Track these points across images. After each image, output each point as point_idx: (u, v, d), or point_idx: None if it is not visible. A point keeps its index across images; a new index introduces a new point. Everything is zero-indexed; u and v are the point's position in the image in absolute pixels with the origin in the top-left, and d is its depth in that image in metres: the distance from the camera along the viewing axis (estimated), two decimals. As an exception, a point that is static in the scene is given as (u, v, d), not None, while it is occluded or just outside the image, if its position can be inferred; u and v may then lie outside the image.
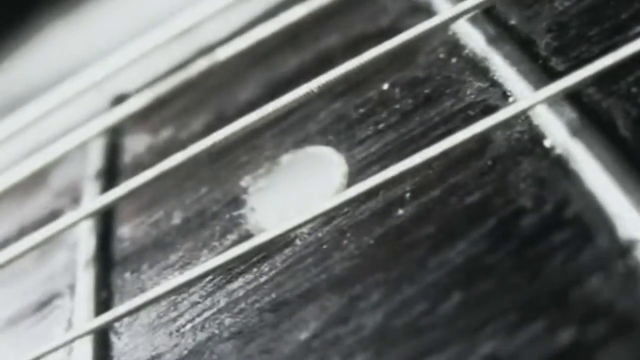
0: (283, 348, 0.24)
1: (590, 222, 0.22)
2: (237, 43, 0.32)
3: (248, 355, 0.25)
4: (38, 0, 0.50)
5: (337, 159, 0.28)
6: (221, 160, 0.30)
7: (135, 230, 0.30)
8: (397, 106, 0.28)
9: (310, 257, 0.26)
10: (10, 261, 0.30)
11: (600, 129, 0.24)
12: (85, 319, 0.28)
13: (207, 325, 0.26)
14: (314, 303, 0.25)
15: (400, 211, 0.25)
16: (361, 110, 0.29)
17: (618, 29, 0.26)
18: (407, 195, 0.25)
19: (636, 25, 0.25)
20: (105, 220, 0.31)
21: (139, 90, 0.34)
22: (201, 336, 0.26)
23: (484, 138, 0.25)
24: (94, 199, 0.31)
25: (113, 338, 0.28)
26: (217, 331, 0.26)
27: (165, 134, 0.33)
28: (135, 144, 0.33)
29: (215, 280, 0.27)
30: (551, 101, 0.25)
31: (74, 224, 0.30)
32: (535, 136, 0.25)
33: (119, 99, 0.35)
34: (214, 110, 0.33)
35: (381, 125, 0.28)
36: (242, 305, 0.26)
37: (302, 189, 0.28)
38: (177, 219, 0.30)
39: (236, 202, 0.29)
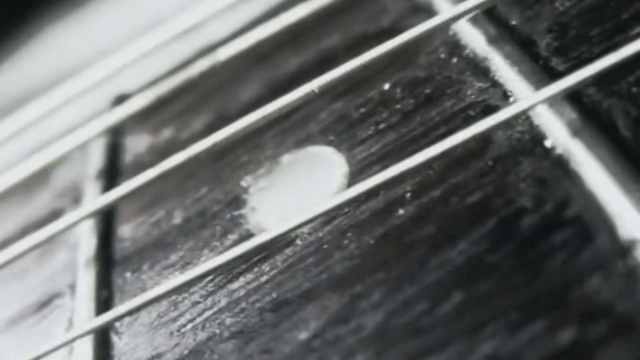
0: (283, 348, 0.24)
1: (591, 222, 0.22)
2: (238, 43, 0.32)
3: (248, 354, 0.25)
4: (39, 1, 0.50)
5: (338, 159, 0.28)
6: (222, 160, 0.30)
7: (136, 230, 0.30)
8: (398, 106, 0.28)
9: (310, 257, 0.26)
10: (11, 261, 0.30)
11: (601, 129, 0.24)
12: (86, 318, 0.28)
13: (207, 325, 0.26)
14: (314, 303, 0.25)
15: (401, 211, 0.25)
16: (362, 110, 0.29)
17: (619, 29, 0.26)
18: (408, 195, 0.26)
19: (637, 25, 0.25)
20: (106, 220, 0.31)
21: (139, 90, 0.34)
22: (202, 336, 0.26)
23: (484, 138, 0.25)
24: (94, 199, 0.31)
25: (114, 337, 0.28)
26: (217, 331, 0.26)
27: (166, 134, 0.33)
28: (136, 144, 0.34)
29: (215, 280, 0.27)
30: (552, 101, 0.25)
31: (75, 224, 0.30)
32: (536, 136, 0.25)
33: (120, 99, 0.35)
34: (215, 110, 0.33)
35: (382, 125, 0.28)
36: (243, 304, 0.26)
37: (302, 189, 0.28)
38: (177, 219, 0.30)
39: (237, 201, 0.29)
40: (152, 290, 0.27)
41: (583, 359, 0.21)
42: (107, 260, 0.30)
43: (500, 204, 0.24)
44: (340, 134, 0.29)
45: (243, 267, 0.27)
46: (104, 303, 0.29)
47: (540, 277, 0.22)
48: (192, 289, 0.27)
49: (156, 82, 0.34)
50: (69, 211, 0.32)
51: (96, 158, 0.33)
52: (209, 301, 0.27)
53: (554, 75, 0.25)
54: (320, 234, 0.26)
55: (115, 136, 0.34)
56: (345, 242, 0.26)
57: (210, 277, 0.27)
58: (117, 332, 0.28)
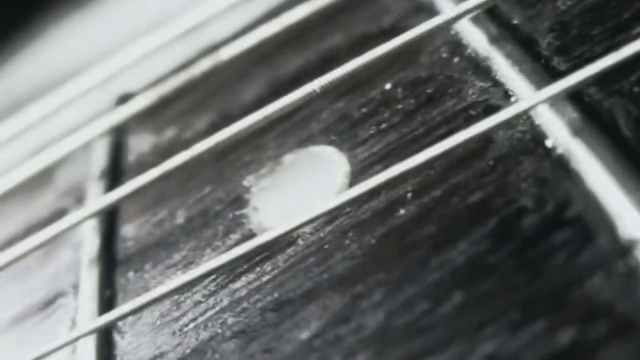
0: (285, 347, 0.24)
1: (591, 222, 0.22)
2: (240, 43, 0.32)
3: (250, 354, 0.25)
4: (42, 1, 0.50)
5: (340, 159, 0.28)
6: (224, 159, 0.30)
7: (139, 230, 0.31)
8: (400, 106, 0.28)
9: (312, 257, 0.26)
10: (15, 260, 0.31)
11: (602, 128, 0.24)
12: (89, 317, 0.28)
13: (209, 325, 0.26)
14: (315, 302, 0.25)
15: (402, 211, 0.25)
16: (364, 110, 0.29)
17: (620, 28, 0.26)
18: (409, 195, 0.26)
19: (638, 24, 0.25)
20: (109, 219, 0.31)
21: (143, 89, 0.34)
22: (204, 335, 0.26)
23: (485, 138, 0.25)
24: (98, 199, 0.31)
25: (116, 337, 0.28)
26: (219, 330, 0.26)
27: (169, 133, 0.33)
28: (140, 144, 0.34)
29: (218, 280, 0.27)
30: (553, 101, 0.25)
31: (78, 224, 0.30)
32: (537, 136, 0.25)
33: (124, 99, 0.35)
34: (218, 109, 0.33)
35: (383, 125, 0.28)
36: (245, 304, 0.26)
37: (304, 189, 0.28)
38: (180, 219, 0.30)
39: (239, 201, 0.29)
40: (154, 290, 0.27)
41: (583, 359, 0.21)
42: (110, 260, 0.30)
43: (501, 204, 0.24)
44: (342, 133, 0.29)
45: (245, 266, 0.27)
46: (106, 302, 0.29)
47: (541, 277, 0.22)
48: (195, 289, 0.27)
49: (159, 82, 0.34)
50: (73, 211, 0.32)
51: (99, 158, 0.33)
52: (211, 301, 0.27)
53: (555, 75, 0.25)
54: (322, 234, 0.26)
55: (119, 136, 0.34)
56: (347, 242, 0.26)
57: (213, 277, 0.27)
58: (119, 332, 0.28)
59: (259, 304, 0.26)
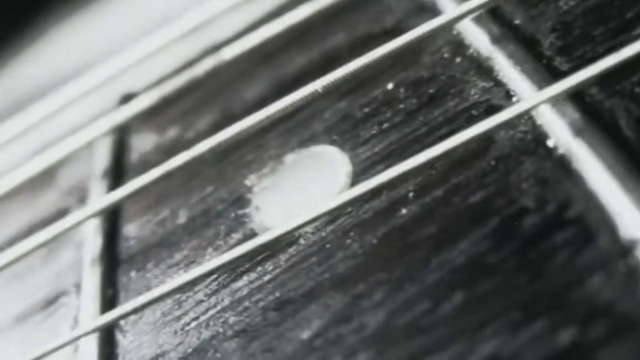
0: (286, 346, 0.25)
1: (592, 222, 0.23)
2: (243, 42, 0.32)
3: (251, 353, 0.25)
4: (45, 1, 0.50)
5: (342, 158, 0.28)
6: (226, 159, 0.30)
7: (141, 229, 0.31)
8: (402, 106, 0.28)
9: (314, 256, 0.26)
10: (18, 259, 0.31)
11: (603, 129, 0.24)
12: (91, 316, 0.28)
13: (211, 324, 0.26)
14: (317, 302, 0.25)
15: (404, 211, 0.25)
16: (366, 110, 0.29)
17: (622, 28, 0.26)
18: (411, 194, 0.26)
19: (640, 24, 0.25)
20: (112, 218, 0.31)
21: (145, 89, 0.34)
22: (205, 334, 0.26)
23: (487, 138, 0.25)
24: (100, 198, 0.31)
25: (118, 336, 0.28)
26: (221, 329, 0.26)
27: (172, 133, 0.33)
28: (142, 143, 0.34)
29: (219, 279, 0.27)
30: (554, 101, 0.25)
31: (81, 223, 0.30)
32: (538, 136, 0.25)
33: (126, 98, 0.35)
34: (220, 109, 0.33)
35: (385, 125, 0.28)
36: (246, 303, 0.26)
37: (306, 188, 0.28)
38: (182, 218, 0.30)
39: (241, 201, 0.29)
40: (156, 289, 0.27)
41: (583, 359, 0.21)
42: (112, 259, 0.30)
43: (502, 204, 0.24)
44: (344, 133, 0.29)
45: (247, 266, 0.27)
46: (109, 301, 0.29)
47: (542, 277, 0.22)
48: (196, 288, 0.27)
49: (162, 82, 0.34)
50: (75, 210, 0.32)
51: (102, 157, 0.33)
52: (212, 300, 0.27)
53: (557, 75, 0.25)
54: (324, 234, 0.26)
55: (121, 135, 0.34)
56: (348, 241, 0.26)
57: (214, 276, 0.27)
58: (121, 330, 0.28)
59: (261, 303, 0.26)
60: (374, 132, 0.28)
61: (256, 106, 0.29)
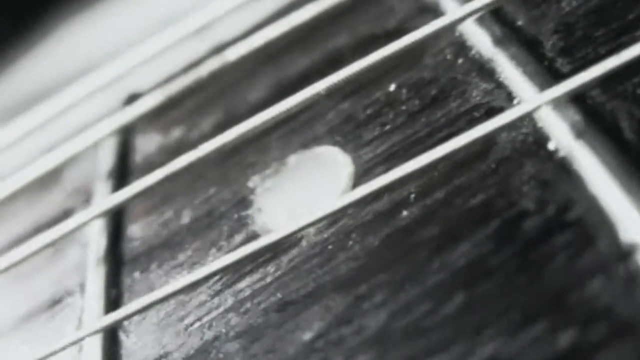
0: (287, 348, 0.25)
1: (593, 225, 0.23)
2: (247, 43, 0.32)
3: (253, 354, 0.25)
4: (51, 0, 0.50)
5: (344, 160, 0.28)
6: (230, 160, 0.31)
7: (145, 230, 0.31)
8: (404, 107, 0.28)
9: (315, 258, 0.26)
10: (23, 259, 0.31)
11: (605, 131, 0.24)
12: (95, 317, 0.29)
13: (214, 325, 0.27)
14: (318, 303, 0.25)
15: (405, 212, 0.25)
16: (368, 111, 0.29)
17: (624, 29, 0.25)
18: (412, 196, 0.26)
19: (643, 26, 0.25)
20: (116, 219, 0.31)
21: (151, 89, 0.34)
22: (208, 335, 0.26)
23: (488, 140, 0.25)
24: (105, 198, 0.32)
25: (122, 336, 0.28)
26: (223, 330, 0.26)
27: (176, 133, 0.33)
28: (147, 144, 0.34)
29: (222, 280, 0.27)
30: (556, 103, 0.25)
31: (86, 223, 0.31)
32: (540, 138, 0.25)
33: (132, 98, 0.35)
34: (224, 110, 0.33)
35: (388, 126, 0.28)
36: (249, 305, 0.26)
37: (308, 190, 0.28)
38: (186, 219, 0.30)
39: (244, 202, 0.29)
40: (160, 290, 0.27)
41: (583, 362, 0.21)
42: (116, 260, 0.30)
43: (503, 206, 0.24)
44: (346, 134, 0.29)
45: (249, 267, 0.27)
46: (113, 302, 0.29)
47: (542, 279, 0.22)
48: (199, 289, 0.28)
49: (167, 82, 0.34)
50: (80, 210, 0.32)
51: (107, 157, 0.33)
52: (215, 301, 0.27)
53: (558, 77, 0.25)
54: (326, 235, 0.26)
55: (126, 135, 0.34)
56: (350, 243, 0.26)
57: (217, 277, 0.27)
58: (125, 331, 0.28)
59: (263, 305, 0.26)
60: (376, 133, 0.28)
61: (260, 107, 0.29)
